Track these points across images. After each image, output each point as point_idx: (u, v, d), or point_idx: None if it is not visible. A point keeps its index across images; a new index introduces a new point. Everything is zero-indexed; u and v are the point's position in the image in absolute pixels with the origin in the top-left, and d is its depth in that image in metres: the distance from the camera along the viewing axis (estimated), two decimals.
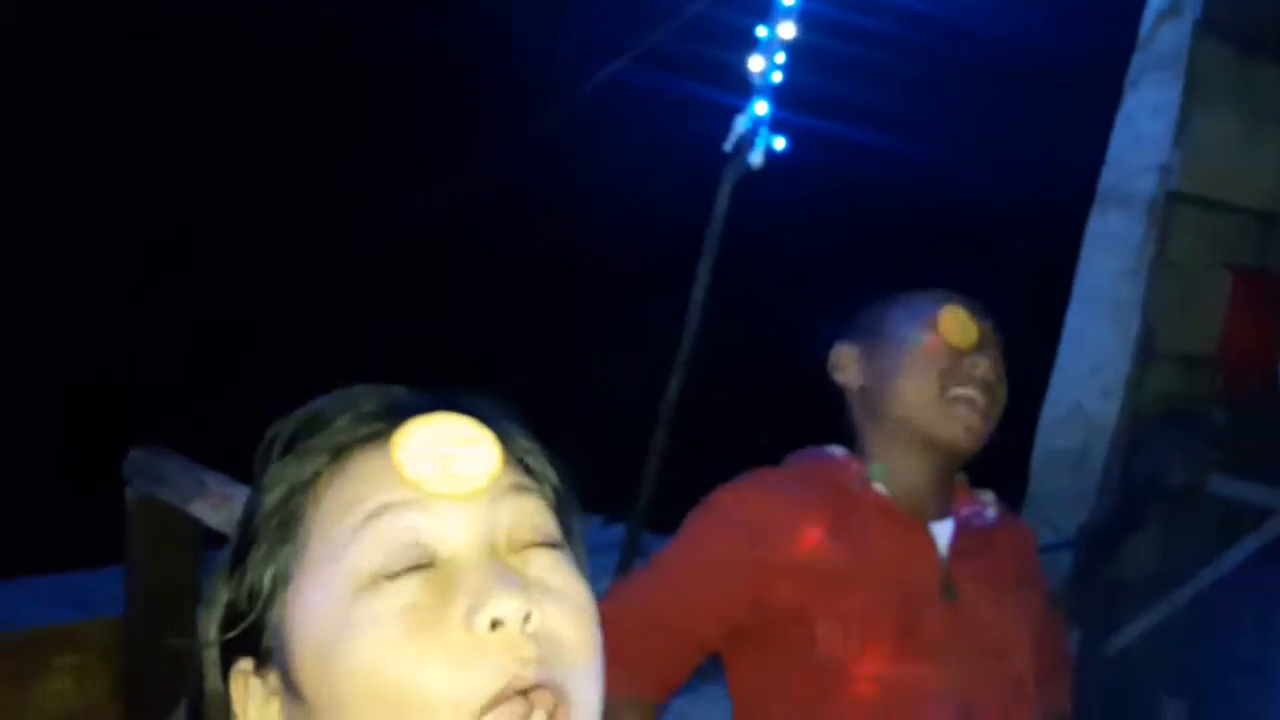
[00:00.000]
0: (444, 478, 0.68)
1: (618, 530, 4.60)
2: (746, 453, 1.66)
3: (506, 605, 0.63)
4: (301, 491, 0.71)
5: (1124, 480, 3.22)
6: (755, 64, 3.96)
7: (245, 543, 0.72)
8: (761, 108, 3.94)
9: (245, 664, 0.71)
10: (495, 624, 0.63)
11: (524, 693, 0.63)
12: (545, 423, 0.80)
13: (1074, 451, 3.26)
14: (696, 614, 1.49)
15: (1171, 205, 3.23)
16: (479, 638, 0.63)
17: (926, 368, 1.49)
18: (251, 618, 0.70)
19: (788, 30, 3.96)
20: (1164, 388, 3.32)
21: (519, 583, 0.65)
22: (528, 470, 0.75)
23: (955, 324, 1.51)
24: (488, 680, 0.62)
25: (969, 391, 1.48)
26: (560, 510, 0.75)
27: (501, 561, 0.67)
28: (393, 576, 0.65)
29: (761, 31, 3.98)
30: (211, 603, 0.73)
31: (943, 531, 1.53)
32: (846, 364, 1.59)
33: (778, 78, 3.96)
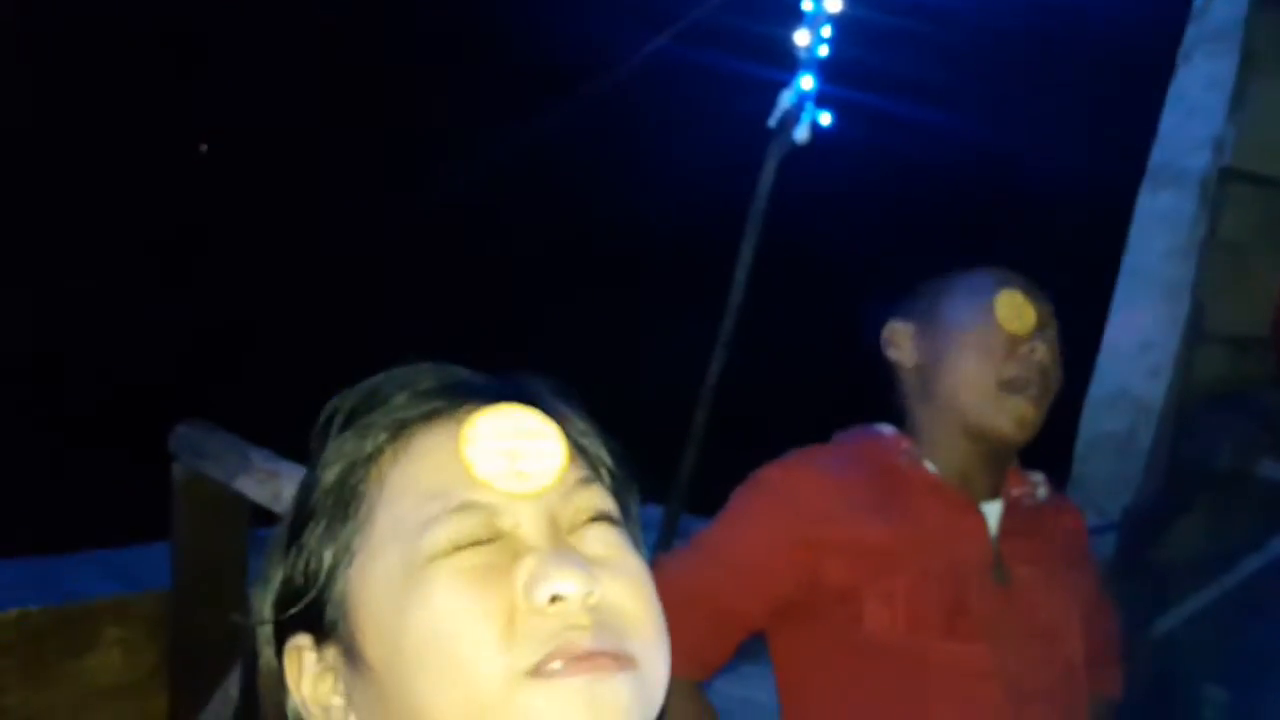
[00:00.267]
0: (513, 475, 0.69)
1: (655, 511, 4.61)
2: (787, 434, 1.65)
3: (567, 582, 0.64)
4: (362, 467, 0.71)
5: (1171, 463, 3.17)
6: (801, 38, 3.92)
7: (303, 518, 0.72)
8: (807, 82, 3.90)
9: (302, 640, 0.71)
10: (555, 599, 0.64)
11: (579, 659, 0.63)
12: (588, 401, 0.80)
13: (1120, 433, 3.21)
14: (743, 591, 1.49)
15: (1224, 182, 3.17)
16: (537, 608, 0.64)
17: (983, 354, 1.47)
18: (312, 594, 0.70)
19: (834, 3, 3.91)
20: (1213, 369, 3.26)
21: (580, 561, 0.66)
22: (584, 453, 0.75)
23: (1012, 310, 1.48)
24: (536, 645, 0.63)
25: (1025, 378, 1.46)
26: (617, 492, 0.76)
27: (564, 540, 0.68)
28: (462, 548, 0.66)
29: (807, 5, 3.93)
30: (266, 579, 0.74)
31: (993, 512, 1.51)
32: (901, 341, 1.57)
33: (824, 52, 3.91)
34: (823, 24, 3.92)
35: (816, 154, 4.01)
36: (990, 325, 1.48)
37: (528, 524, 0.68)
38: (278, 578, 0.73)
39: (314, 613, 0.70)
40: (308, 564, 0.71)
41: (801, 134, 3.91)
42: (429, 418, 0.71)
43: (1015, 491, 1.54)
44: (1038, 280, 1.55)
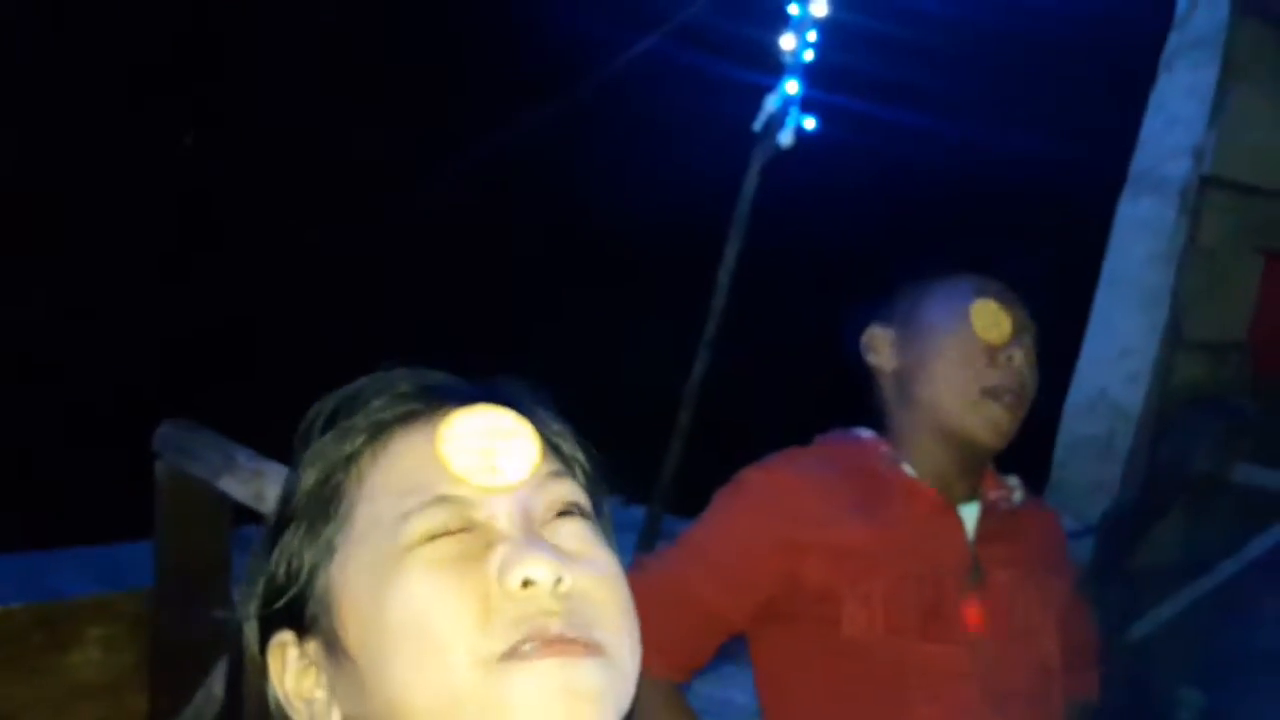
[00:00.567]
0: (487, 470, 0.71)
1: (638, 511, 4.61)
2: (770, 437, 1.66)
3: (539, 567, 0.66)
4: (342, 469, 0.73)
5: (1149, 468, 3.19)
6: (786, 42, 3.93)
7: (285, 519, 0.74)
8: (792, 87, 3.91)
9: (285, 636, 0.73)
10: (527, 583, 0.66)
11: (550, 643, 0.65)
12: (568, 403, 0.82)
13: (1099, 438, 3.23)
14: (724, 592, 1.50)
15: (1204, 190, 3.19)
16: (510, 593, 0.66)
17: (960, 361, 1.49)
18: (294, 590, 0.72)
19: (820, 8, 3.92)
20: (1191, 375, 3.28)
21: (552, 549, 0.68)
22: (558, 451, 0.77)
23: (989, 318, 1.50)
24: (509, 629, 0.65)
25: (1003, 386, 1.48)
26: (590, 491, 0.77)
27: (536, 532, 0.70)
28: (437, 537, 0.68)
29: (793, 9, 3.95)
30: (251, 579, 0.76)
31: (970, 515, 1.53)
32: (880, 346, 1.59)
33: (809, 56, 3.93)
34: (808, 29, 3.94)
35: (801, 158, 4.02)
36: (968, 333, 1.49)
37: (502, 516, 0.70)
38: (262, 577, 0.75)
39: (296, 609, 0.72)
40: (290, 563, 0.72)
41: (786, 138, 3.92)
42: (407, 419, 0.74)
43: (992, 495, 1.55)
44: (1016, 286, 1.56)
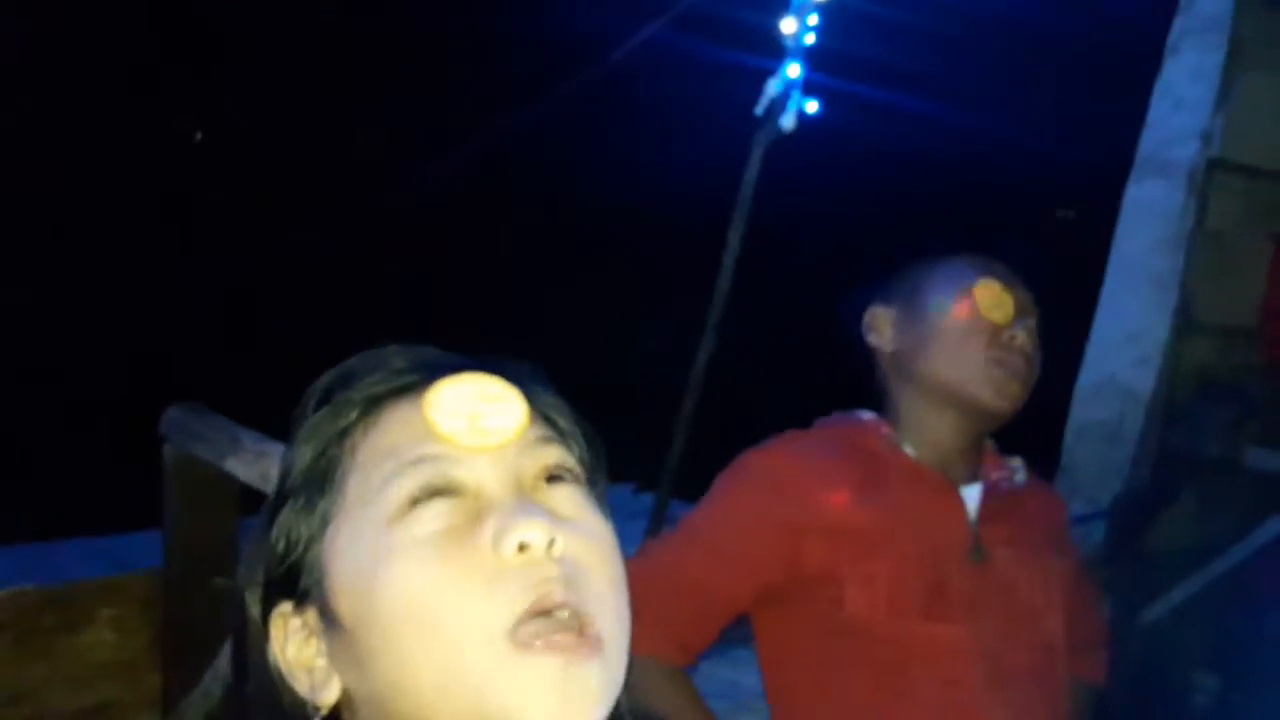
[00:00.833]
0: (474, 432, 0.71)
1: (648, 499, 4.60)
2: (778, 420, 1.65)
3: (532, 530, 0.67)
4: (336, 443, 0.74)
5: (1159, 452, 3.18)
6: (788, 26, 3.91)
7: (283, 495, 0.75)
8: (794, 70, 3.89)
9: (284, 607, 0.74)
10: (522, 547, 0.66)
11: (548, 613, 0.66)
12: (574, 388, 0.83)
13: (1109, 423, 3.22)
14: (726, 574, 1.50)
15: (1212, 173, 3.17)
16: (505, 560, 0.66)
17: (963, 340, 1.49)
18: (291, 559, 0.73)
19: None
20: (1201, 359, 3.27)
21: (544, 512, 0.69)
22: (553, 424, 0.78)
23: (990, 300, 1.50)
24: (515, 598, 0.65)
25: (1008, 360, 1.48)
26: (585, 464, 0.78)
27: (526, 495, 0.71)
28: (423, 500, 0.69)
29: None
30: (252, 554, 0.77)
31: (971, 495, 1.53)
32: (881, 326, 1.59)
33: (810, 40, 3.90)
34: (809, 12, 3.91)
35: (804, 141, 4.00)
36: (972, 313, 1.50)
37: (490, 480, 0.71)
38: (262, 552, 0.76)
39: (294, 580, 0.73)
40: (288, 536, 0.74)
41: (788, 122, 3.90)
42: (399, 392, 0.75)
43: (994, 475, 1.56)
44: (1021, 269, 1.56)
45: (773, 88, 3.89)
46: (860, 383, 1.62)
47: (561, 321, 7.62)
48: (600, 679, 0.66)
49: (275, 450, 1.55)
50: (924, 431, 1.53)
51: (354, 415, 0.74)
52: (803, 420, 1.63)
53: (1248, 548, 3.02)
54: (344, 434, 0.74)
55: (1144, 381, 3.19)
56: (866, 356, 1.61)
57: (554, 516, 0.69)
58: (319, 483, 0.73)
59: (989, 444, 1.58)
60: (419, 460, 0.70)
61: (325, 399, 0.76)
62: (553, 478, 0.73)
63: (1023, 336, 1.49)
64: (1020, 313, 1.50)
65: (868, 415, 1.60)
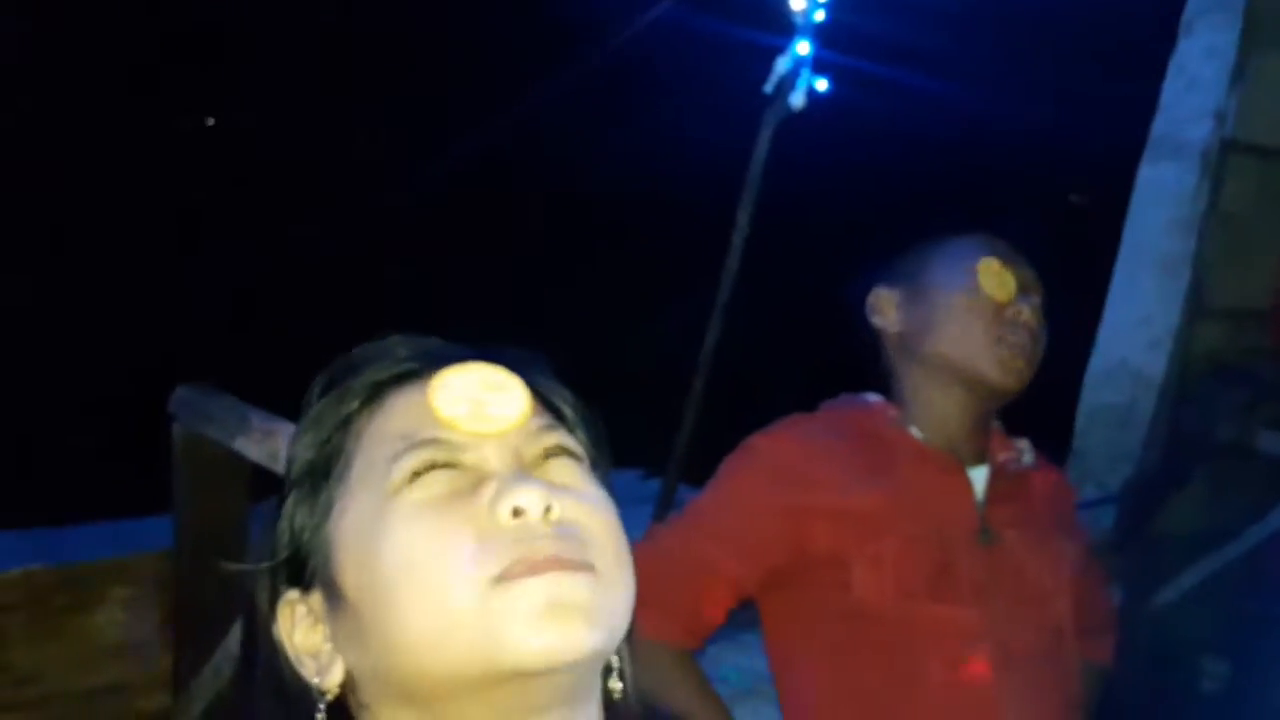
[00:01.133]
0: (477, 419, 0.73)
1: (655, 484, 4.60)
2: (783, 405, 1.65)
3: (528, 495, 0.68)
4: (340, 430, 0.76)
5: (1171, 436, 3.17)
6: (797, 3, 3.87)
7: (290, 484, 0.77)
8: (803, 48, 3.86)
9: (291, 594, 0.75)
10: (518, 512, 0.68)
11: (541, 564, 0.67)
12: (582, 374, 0.84)
13: (1120, 406, 3.21)
14: (732, 558, 1.49)
15: (1225, 154, 3.15)
16: (501, 523, 0.68)
17: (967, 318, 1.49)
18: (298, 547, 0.75)
19: None
20: (1213, 342, 3.26)
21: (541, 481, 0.70)
22: (557, 413, 0.79)
23: (994, 277, 1.50)
24: (502, 553, 0.66)
25: (1013, 337, 1.48)
26: (588, 449, 0.79)
27: (526, 469, 0.73)
28: (424, 472, 0.71)
29: None
30: (263, 541, 0.78)
31: (979, 476, 1.53)
32: (885, 308, 1.58)
33: (820, 17, 3.87)
34: None
35: (814, 120, 3.97)
36: (975, 291, 1.49)
37: (491, 458, 0.72)
38: (271, 539, 0.77)
39: (300, 566, 0.75)
40: (294, 522, 0.75)
41: (798, 100, 3.87)
42: (402, 379, 0.76)
43: (1001, 456, 1.55)
44: (1026, 248, 1.56)
45: (782, 65, 3.86)
46: (867, 366, 1.62)
47: (567, 307, 7.61)
48: (590, 593, 0.67)
49: (284, 429, 1.55)
50: (930, 412, 1.53)
51: (357, 402, 0.76)
52: (809, 404, 1.63)
53: (1259, 532, 3.01)
54: (348, 420, 0.76)
55: (1155, 365, 3.18)
56: (872, 339, 1.61)
57: (552, 485, 0.71)
58: (324, 469, 0.75)
59: (996, 425, 1.58)
60: (422, 442, 0.72)
61: (329, 387, 0.77)
62: (551, 455, 0.75)
63: (1027, 313, 1.49)
64: (1023, 289, 1.50)
65: (874, 398, 1.59)
